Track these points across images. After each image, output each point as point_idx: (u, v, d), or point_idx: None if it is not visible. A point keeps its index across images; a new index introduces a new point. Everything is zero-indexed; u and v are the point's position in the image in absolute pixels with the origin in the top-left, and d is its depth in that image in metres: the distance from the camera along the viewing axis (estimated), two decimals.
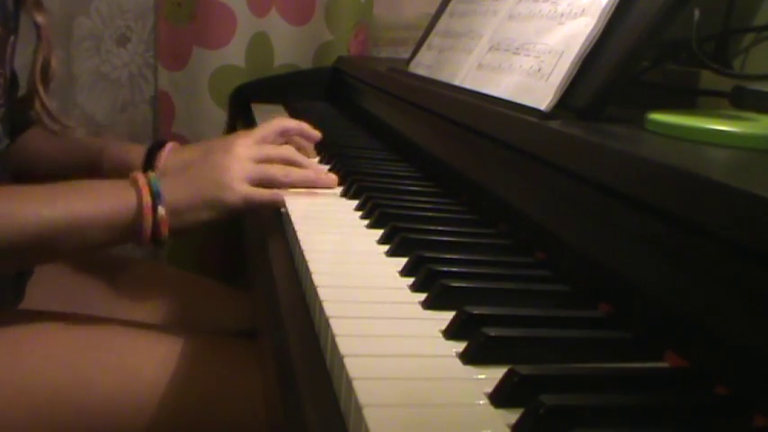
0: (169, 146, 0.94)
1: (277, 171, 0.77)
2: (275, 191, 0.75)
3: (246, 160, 0.76)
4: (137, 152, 0.94)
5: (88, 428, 0.71)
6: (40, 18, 0.84)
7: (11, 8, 0.82)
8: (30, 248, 0.70)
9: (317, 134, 0.90)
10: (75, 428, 0.71)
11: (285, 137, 0.88)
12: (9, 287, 0.88)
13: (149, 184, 0.72)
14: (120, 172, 0.95)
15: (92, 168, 0.96)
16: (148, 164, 0.92)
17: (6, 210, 0.68)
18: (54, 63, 0.86)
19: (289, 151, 0.82)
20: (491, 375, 0.40)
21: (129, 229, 0.71)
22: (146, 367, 0.75)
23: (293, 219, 0.67)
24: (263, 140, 0.83)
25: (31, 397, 0.70)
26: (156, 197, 0.71)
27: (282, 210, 0.72)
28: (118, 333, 0.80)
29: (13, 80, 0.88)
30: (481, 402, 0.38)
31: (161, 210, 0.71)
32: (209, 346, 0.80)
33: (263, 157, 0.78)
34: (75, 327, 0.79)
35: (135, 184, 0.72)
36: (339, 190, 0.80)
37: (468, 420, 0.37)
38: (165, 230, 0.72)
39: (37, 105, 0.85)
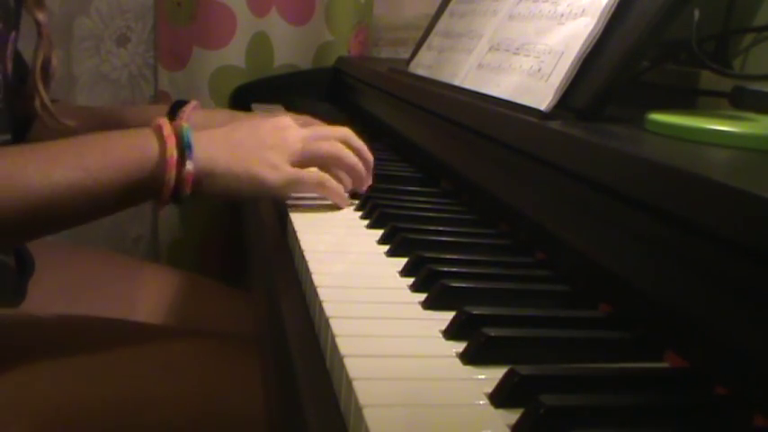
0: (192, 104, 0.94)
1: (329, 148, 0.71)
2: (322, 174, 0.70)
3: (295, 137, 0.70)
4: (157, 110, 0.95)
5: (88, 428, 0.71)
6: (40, 16, 0.84)
7: (12, 5, 0.82)
8: (37, 215, 0.62)
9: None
10: (75, 428, 0.71)
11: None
12: (10, 286, 0.88)
13: (178, 135, 0.64)
14: None
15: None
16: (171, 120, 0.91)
17: (10, 173, 0.60)
18: (55, 61, 0.86)
19: (345, 133, 0.75)
20: (491, 375, 0.40)
21: (149, 185, 0.64)
22: (146, 367, 0.75)
23: (293, 219, 0.67)
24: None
25: (32, 397, 0.70)
26: (186, 148, 0.64)
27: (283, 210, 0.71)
28: (118, 332, 0.80)
29: (21, 74, 0.88)
30: (481, 402, 0.38)
31: (189, 165, 0.64)
32: (209, 346, 0.80)
33: (314, 136, 0.72)
34: (76, 326, 0.79)
35: (158, 132, 0.64)
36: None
37: (468, 420, 0.37)
38: (188, 188, 0.64)
39: (37, 103, 0.85)
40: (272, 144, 0.68)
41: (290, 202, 0.72)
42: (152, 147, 0.64)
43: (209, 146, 0.66)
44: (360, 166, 0.73)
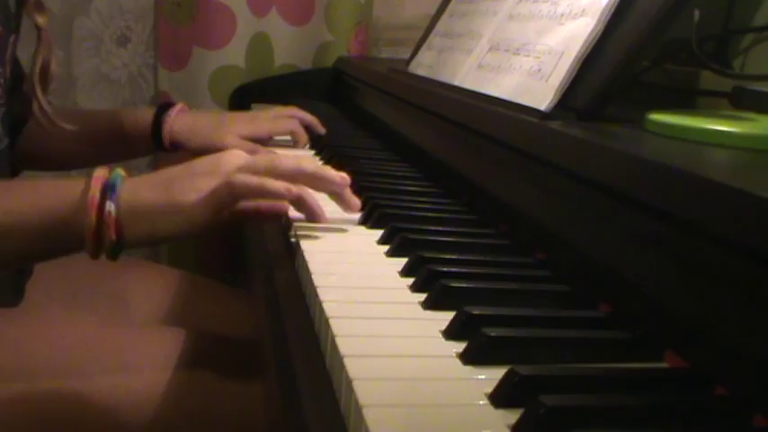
0: (177, 107, 0.96)
1: (255, 181, 0.62)
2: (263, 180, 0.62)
3: (233, 169, 0.63)
4: (146, 113, 0.97)
5: (89, 427, 0.71)
6: (40, 20, 0.84)
7: (12, 8, 0.82)
8: None
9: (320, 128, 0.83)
10: (75, 427, 0.71)
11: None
12: (8, 287, 0.88)
13: (107, 176, 0.62)
14: (128, 134, 0.97)
15: (104, 135, 0.98)
16: (156, 125, 0.94)
17: None
18: (53, 65, 0.86)
19: (296, 165, 0.65)
20: (491, 375, 0.40)
21: (69, 230, 0.61)
22: (146, 366, 0.75)
23: (294, 219, 0.67)
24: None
25: (32, 395, 0.70)
26: (107, 189, 0.60)
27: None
28: (118, 332, 0.80)
29: (17, 77, 0.88)
30: (481, 402, 0.38)
31: (109, 206, 0.60)
32: (209, 346, 0.80)
33: (253, 168, 0.64)
34: (76, 326, 0.79)
35: (89, 176, 0.62)
36: None
37: (468, 420, 0.37)
38: (112, 233, 0.60)
39: (35, 107, 0.85)
40: (200, 172, 0.63)
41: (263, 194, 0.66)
42: (77, 190, 0.61)
43: (137, 186, 0.62)
44: (288, 190, 0.62)
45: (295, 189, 0.63)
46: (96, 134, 0.98)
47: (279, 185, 0.62)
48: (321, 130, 1.07)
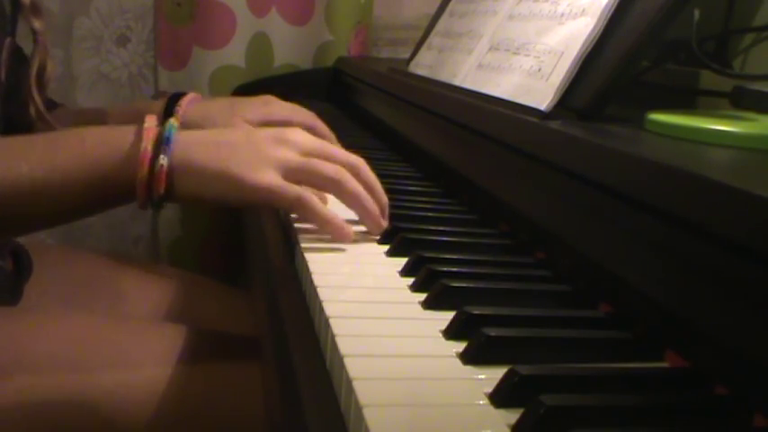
0: (190, 96, 0.90)
1: (329, 169, 0.61)
2: (305, 191, 0.61)
3: (295, 147, 0.62)
4: (155, 104, 0.91)
5: (89, 425, 0.71)
6: (37, 24, 0.84)
7: (8, 11, 0.82)
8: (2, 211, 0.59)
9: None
10: (76, 425, 0.71)
11: None
12: (6, 288, 0.88)
13: (159, 130, 0.60)
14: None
15: None
16: (168, 114, 0.86)
17: None
18: (50, 69, 0.86)
19: (357, 160, 0.64)
20: (491, 375, 0.40)
21: (120, 182, 0.60)
22: (146, 365, 0.75)
23: (294, 219, 0.67)
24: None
25: (33, 393, 0.70)
26: (162, 143, 0.59)
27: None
28: (119, 330, 0.80)
29: (20, 79, 0.88)
30: (481, 402, 0.38)
31: (162, 159, 0.59)
32: (209, 346, 0.80)
33: (318, 152, 0.63)
34: (77, 323, 0.79)
35: (140, 127, 0.61)
36: None
37: (468, 420, 0.37)
38: (161, 186, 0.59)
39: (32, 111, 0.85)
40: (262, 149, 0.61)
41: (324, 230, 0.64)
42: (127, 141, 0.60)
43: (191, 143, 0.61)
44: (366, 199, 0.62)
45: (368, 199, 0.62)
46: None
47: (357, 188, 0.61)
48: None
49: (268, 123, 0.88)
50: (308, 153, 0.62)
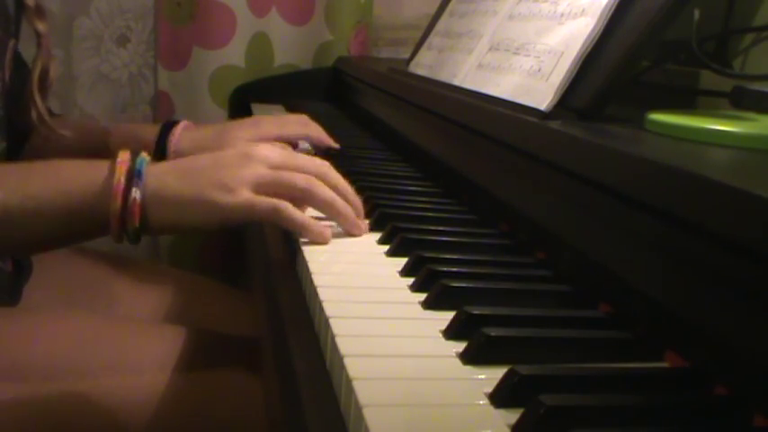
0: (182, 124, 0.91)
1: (299, 179, 0.62)
2: (279, 201, 0.61)
3: (263, 163, 0.63)
4: (149, 130, 0.93)
5: (89, 426, 0.71)
6: (40, 26, 0.84)
7: (12, 13, 0.82)
8: None
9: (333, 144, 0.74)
10: (75, 426, 0.71)
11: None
12: (5, 289, 0.88)
13: (131, 162, 0.61)
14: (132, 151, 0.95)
15: (106, 152, 0.96)
16: (161, 143, 0.89)
17: None
18: (53, 72, 0.86)
19: (323, 166, 0.65)
20: (491, 375, 0.40)
21: (93, 215, 0.61)
22: (146, 366, 0.75)
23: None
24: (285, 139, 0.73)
25: (32, 395, 0.70)
26: (134, 176, 0.60)
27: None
28: (119, 330, 0.80)
29: (22, 82, 0.88)
30: (481, 402, 0.38)
31: (135, 192, 0.60)
32: (209, 346, 0.80)
33: (285, 164, 0.64)
34: (76, 323, 0.79)
35: (113, 161, 0.62)
36: None
37: (468, 420, 0.37)
38: (135, 219, 0.60)
39: (33, 114, 0.85)
40: (231, 169, 0.62)
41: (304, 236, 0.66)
42: (101, 175, 0.61)
43: (162, 173, 0.62)
44: (339, 204, 0.64)
45: (341, 204, 0.63)
46: (97, 150, 0.96)
47: (329, 194, 0.63)
48: (334, 145, 0.96)
49: None
50: (277, 166, 0.63)
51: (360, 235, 0.65)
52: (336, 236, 0.66)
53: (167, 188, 0.61)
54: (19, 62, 0.88)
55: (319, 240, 0.62)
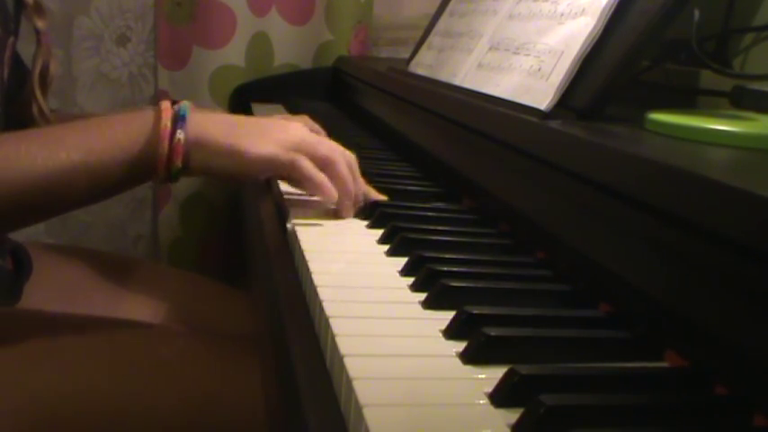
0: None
1: (322, 146, 0.69)
2: (299, 159, 0.67)
3: (299, 134, 0.69)
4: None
5: (89, 426, 0.71)
6: (40, 23, 0.84)
7: (11, 10, 0.82)
8: (42, 196, 0.64)
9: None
10: (76, 426, 0.71)
11: None
12: (5, 287, 0.88)
13: (175, 109, 0.66)
14: None
15: None
16: None
17: (13, 154, 0.62)
18: (52, 69, 0.86)
19: (346, 152, 0.71)
20: (491, 375, 0.40)
21: (145, 158, 0.66)
22: (146, 365, 0.75)
23: (294, 219, 0.67)
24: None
25: (33, 395, 0.70)
26: (178, 120, 0.66)
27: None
28: (119, 331, 0.80)
29: (21, 79, 0.88)
30: (481, 402, 0.38)
31: (180, 134, 0.65)
32: (209, 346, 0.80)
33: (312, 138, 0.70)
34: (76, 324, 0.79)
35: (157, 108, 0.67)
36: None
37: (468, 420, 0.37)
38: (179, 159, 0.65)
39: (35, 110, 0.85)
40: (267, 128, 0.69)
41: (289, 197, 0.72)
42: (149, 121, 0.66)
43: (204, 120, 0.67)
44: (351, 182, 0.69)
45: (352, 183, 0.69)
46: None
47: (331, 191, 0.67)
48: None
49: None
50: (306, 133, 0.70)
51: (346, 217, 0.69)
52: (337, 235, 0.66)
53: (207, 133, 0.67)
54: (17, 60, 0.88)
55: (327, 200, 0.67)
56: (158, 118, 0.66)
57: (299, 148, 0.68)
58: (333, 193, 0.67)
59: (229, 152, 0.66)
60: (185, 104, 0.67)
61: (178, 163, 0.65)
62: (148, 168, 0.66)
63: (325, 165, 0.68)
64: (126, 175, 0.66)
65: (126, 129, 0.66)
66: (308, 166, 0.67)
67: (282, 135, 0.68)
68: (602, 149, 0.52)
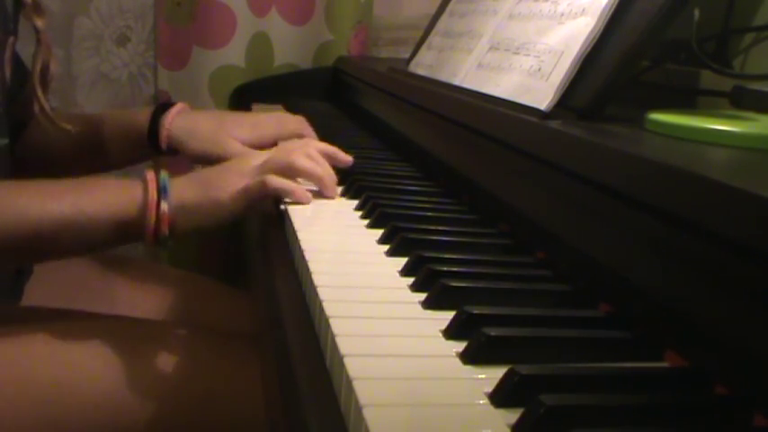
0: (177, 108, 0.95)
1: (280, 158, 0.75)
2: (264, 177, 0.73)
3: (259, 160, 0.75)
4: (143, 115, 0.95)
5: (89, 425, 0.71)
6: (39, 22, 0.84)
7: (10, 10, 0.82)
8: (30, 243, 0.69)
9: (347, 159, 0.82)
10: (76, 425, 0.71)
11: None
12: (6, 287, 0.88)
13: (157, 180, 0.71)
14: (127, 136, 0.96)
15: (104, 139, 0.97)
16: (153, 126, 0.93)
17: (10, 202, 0.68)
18: (53, 67, 0.86)
19: (308, 142, 0.80)
20: (491, 375, 0.40)
21: (133, 226, 0.70)
22: (146, 365, 0.75)
23: (293, 219, 0.67)
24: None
25: (33, 393, 0.70)
26: (161, 192, 0.71)
27: (282, 208, 0.71)
28: (119, 329, 0.80)
29: (21, 79, 0.88)
30: (481, 402, 0.38)
31: (164, 205, 0.70)
32: (209, 346, 0.80)
33: (279, 152, 0.77)
34: (77, 323, 0.79)
35: (144, 179, 0.71)
36: (339, 189, 0.79)
37: (468, 420, 0.37)
38: (165, 228, 0.70)
39: (36, 109, 0.85)
40: (231, 167, 0.76)
41: (289, 198, 0.72)
42: (138, 190, 0.71)
43: (181, 187, 0.72)
44: (316, 168, 0.75)
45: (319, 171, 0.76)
46: (96, 138, 0.97)
47: (304, 195, 0.73)
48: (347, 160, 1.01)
49: (260, 146, 0.92)
50: (266, 157, 0.76)
51: (333, 197, 0.76)
52: (337, 235, 0.66)
53: (187, 199, 0.72)
54: (17, 60, 0.88)
55: (303, 201, 0.72)
56: (146, 188, 0.70)
57: (263, 170, 0.73)
58: (306, 196, 0.73)
59: (209, 203, 0.72)
60: (164, 176, 0.72)
61: (165, 231, 0.70)
62: (135, 233, 0.71)
63: (288, 170, 0.74)
64: (113, 236, 0.72)
65: (119, 194, 0.71)
66: (275, 180, 0.72)
67: (244, 166, 0.75)
68: (602, 149, 0.52)
